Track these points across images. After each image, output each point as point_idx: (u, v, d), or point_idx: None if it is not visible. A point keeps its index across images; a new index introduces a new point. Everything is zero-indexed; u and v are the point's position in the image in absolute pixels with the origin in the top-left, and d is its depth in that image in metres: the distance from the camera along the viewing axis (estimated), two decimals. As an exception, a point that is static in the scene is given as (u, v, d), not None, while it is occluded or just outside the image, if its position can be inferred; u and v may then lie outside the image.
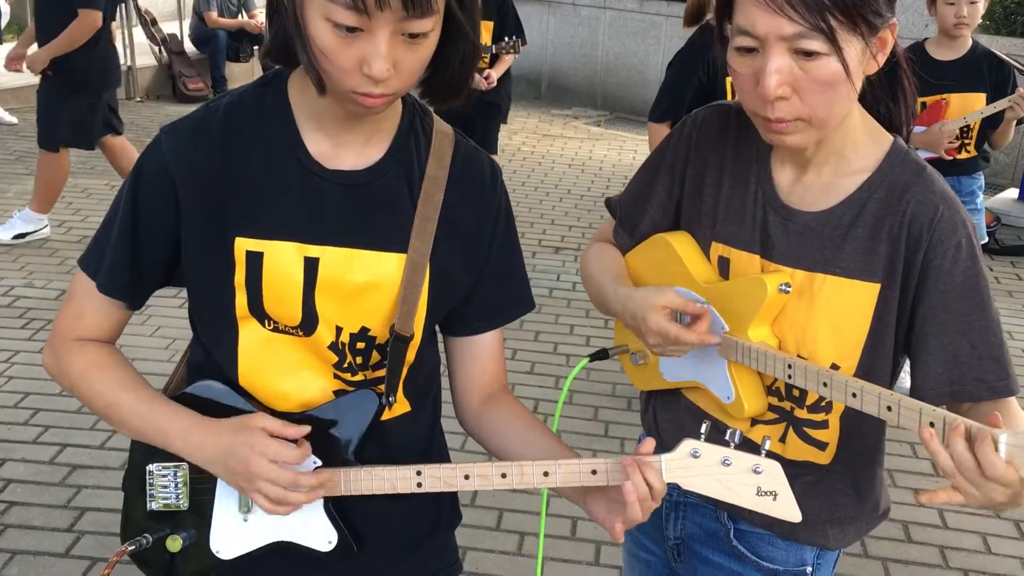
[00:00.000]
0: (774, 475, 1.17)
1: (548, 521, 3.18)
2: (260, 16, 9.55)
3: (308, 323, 1.29)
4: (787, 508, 1.18)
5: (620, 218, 1.62)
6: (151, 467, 1.36)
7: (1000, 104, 3.80)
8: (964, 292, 1.32)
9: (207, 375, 1.34)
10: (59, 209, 6.03)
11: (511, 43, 4.87)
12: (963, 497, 1.16)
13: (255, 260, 1.26)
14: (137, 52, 9.22)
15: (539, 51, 9.99)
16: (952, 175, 3.89)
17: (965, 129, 3.96)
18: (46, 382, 3.84)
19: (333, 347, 1.31)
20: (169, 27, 9.63)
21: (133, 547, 1.32)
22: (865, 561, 3.12)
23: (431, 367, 1.43)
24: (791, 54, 1.24)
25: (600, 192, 7.09)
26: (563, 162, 7.88)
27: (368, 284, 1.29)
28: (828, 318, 1.37)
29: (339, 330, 1.30)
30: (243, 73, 9.59)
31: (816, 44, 1.22)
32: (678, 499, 1.57)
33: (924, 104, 3.96)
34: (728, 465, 1.17)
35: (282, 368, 1.31)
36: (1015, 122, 3.94)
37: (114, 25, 7.30)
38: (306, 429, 1.26)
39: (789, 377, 1.35)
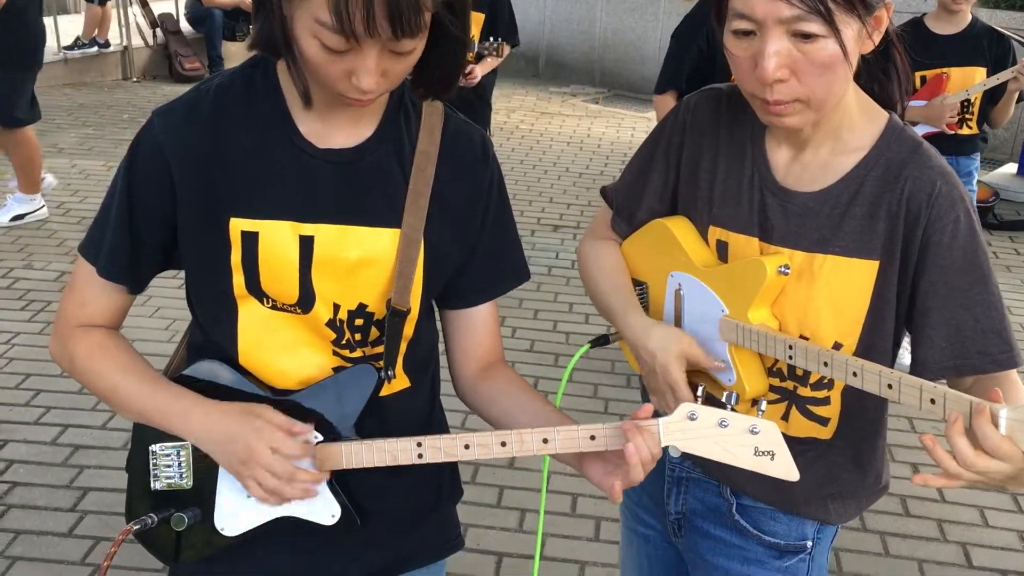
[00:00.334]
0: (771, 435, 1.18)
1: (548, 498, 3.20)
2: (256, -6, 9.48)
3: (305, 301, 1.30)
4: (785, 467, 1.19)
5: (617, 207, 1.62)
6: (154, 447, 1.37)
7: (1003, 75, 3.79)
8: (964, 267, 1.32)
9: (207, 355, 1.35)
10: (57, 191, 6.02)
11: (494, 45, 4.60)
12: (966, 483, 1.17)
13: (251, 240, 1.27)
14: (133, 33, 9.18)
15: (536, 27, 9.94)
16: (950, 154, 3.88)
17: (966, 104, 3.95)
18: (47, 363, 3.85)
19: (331, 324, 1.32)
20: (165, 6, 9.58)
21: (138, 527, 1.33)
22: (864, 535, 3.14)
23: (429, 342, 1.44)
24: (789, 36, 1.23)
25: (599, 170, 7.08)
26: (561, 140, 7.87)
27: (363, 260, 1.30)
28: (828, 298, 1.38)
29: (337, 307, 1.31)
30: (239, 52, 9.54)
31: (814, 26, 1.22)
32: (680, 474, 1.58)
33: (924, 78, 3.95)
34: (725, 427, 1.18)
35: (281, 346, 1.32)
36: (1016, 97, 3.93)
37: (109, 4, 7.26)
38: (310, 426, 1.27)
39: (790, 358, 1.35)
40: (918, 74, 3.91)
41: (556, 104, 9.20)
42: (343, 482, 1.32)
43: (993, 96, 3.96)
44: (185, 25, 9.48)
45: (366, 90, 1.16)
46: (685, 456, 1.54)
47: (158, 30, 9.30)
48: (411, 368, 1.40)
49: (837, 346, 1.38)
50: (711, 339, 1.45)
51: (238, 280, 1.29)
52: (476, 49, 4.60)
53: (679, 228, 1.51)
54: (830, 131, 1.38)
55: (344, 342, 1.33)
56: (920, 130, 3.85)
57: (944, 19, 3.93)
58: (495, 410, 1.41)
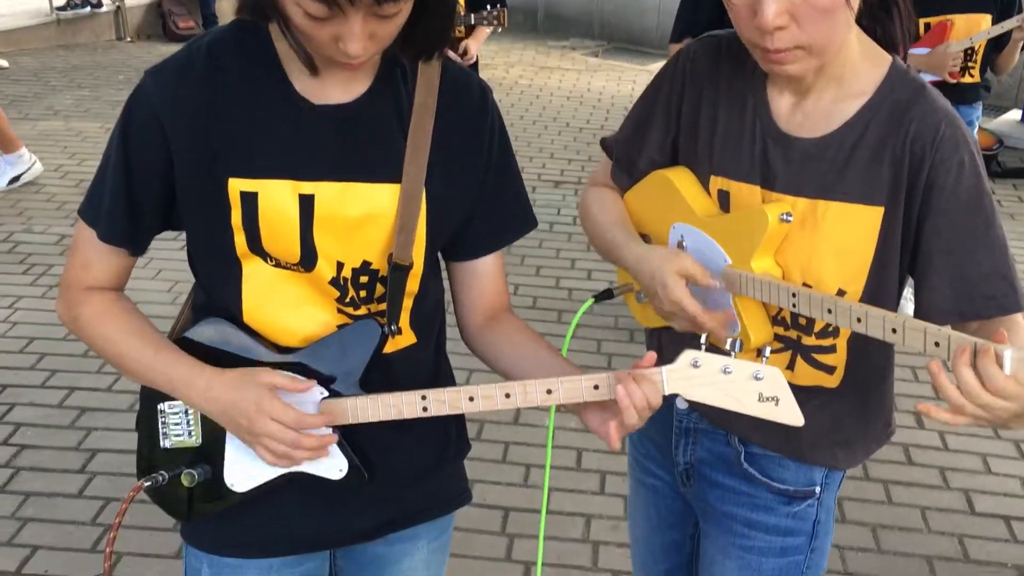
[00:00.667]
0: (774, 381, 1.18)
1: (553, 452, 3.23)
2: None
3: (308, 260, 1.29)
4: (789, 413, 1.19)
5: (617, 159, 1.60)
6: (162, 406, 1.37)
7: (1008, 24, 3.73)
8: (968, 210, 1.31)
9: (212, 316, 1.35)
10: (55, 153, 5.99)
11: (493, 14, 4.23)
12: (970, 420, 1.17)
13: (250, 200, 1.26)
14: (126, -9, 9.07)
15: (534, -19, 9.81)
16: (952, 103, 3.84)
17: (969, 51, 3.90)
18: (51, 327, 3.86)
19: (335, 282, 1.31)
20: (157, -36, 9.45)
21: (149, 483, 1.35)
22: (867, 484, 3.16)
23: (435, 297, 1.44)
24: None
25: (599, 124, 7.03)
26: (561, 94, 7.80)
27: (365, 217, 1.29)
28: (832, 245, 1.37)
29: (340, 265, 1.31)
30: (233, 10, 9.44)
31: None
32: (688, 425, 1.59)
33: (928, 25, 3.89)
34: (729, 373, 1.18)
35: (286, 304, 1.32)
36: (1021, 45, 3.88)
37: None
38: (312, 383, 1.27)
39: (794, 306, 1.35)
40: (922, 21, 3.85)
41: (555, 58, 9.12)
42: (350, 437, 1.33)
43: (997, 44, 3.90)
44: (178, -16, 9.36)
45: (353, 55, 1.15)
46: (692, 406, 1.55)
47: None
48: (417, 323, 1.40)
49: (841, 293, 1.37)
50: (715, 290, 1.45)
51: (239, 240, 1.28)
52: (473, 21, 4.31)
53: (680, 179, 1.50)
54: (832, 76, 1.36)
55: (348, 300, 1.33)
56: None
57: (949, -36, 3.86)
58: (502, 360, 1.41)
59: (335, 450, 1.32)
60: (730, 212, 1.45)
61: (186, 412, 1.36)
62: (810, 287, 1.37)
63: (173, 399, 1.35)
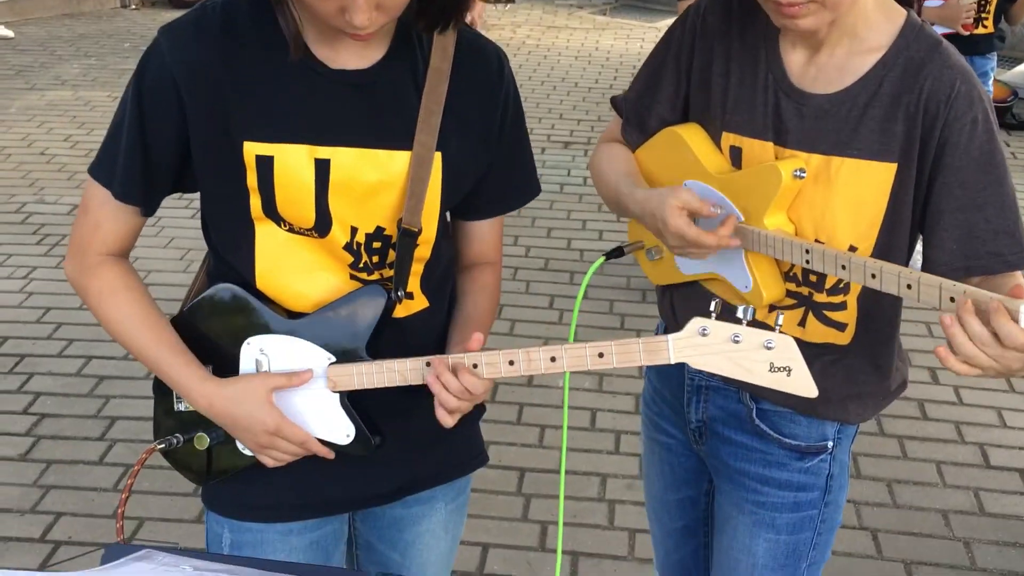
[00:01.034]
0: (787, 350, 1.15)
1: (568, 413, 3.24)
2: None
3: (322, 225, 1.29)
4: (802, 383, 1.16)
5: (627, 116, 1.59)
6: (177, 371, 1.38)
7: None
8: (980, 167, 1.31)
9: (225, 281, 1.35)
10: (64, 123, 6.00)
11: None
12: (980, 371, 1.18)
13: (266, 164, 1.26)
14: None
15: (540, -61, 9.69)
16: (966, 55, 3.79)
17: (983, 2, 3.85)
18: (66, 296, 3.89)
19: (348, 247, 1.31)
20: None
21: (163, 445, 1.36)
22: (881, 439, 3.17)
23: (447, 261, 1.44)
24: None
25: (608, 83, 6.98)
26: (569, 54, 7.74)
27: (381, 183, 1.29)
28: (845, 201, 1.36)
29: (354, 230, 1.31)
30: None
31: None
32: (700, 383, 1.59)
33: (941, -23, 3.84)
34: (738, 342, 1.16)
35: (299, 269, 1.32)
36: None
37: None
38: (309, 375, 1.30)
39: (807, 262, 1.35)
40: (935, -28, 3.80)
41: (563, 17, 9.03)
42: (358, 403, 1.33)
43: (1012, -7, 3.85)
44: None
45: (359, 26, 1.15)
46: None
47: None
48: (429, 288, 1.40)
49: (852, 249, 1.37)
50: (714, 217, 1.44)
51: (255, 202, 1.28)
52: None
53: (692, 136, 1.49)
54: (846, 31, 1.35)
55: (362, 265, 1.33)
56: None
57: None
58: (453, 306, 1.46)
59: (341, 415, 1.33)
60: (742, 169, 1.44)
61: None
62: (822, 243, 1.37)
63: None
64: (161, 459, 1.42)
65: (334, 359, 1.30)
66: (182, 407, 1.38)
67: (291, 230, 1.30)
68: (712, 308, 1.18)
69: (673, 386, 1.63)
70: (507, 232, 1.52)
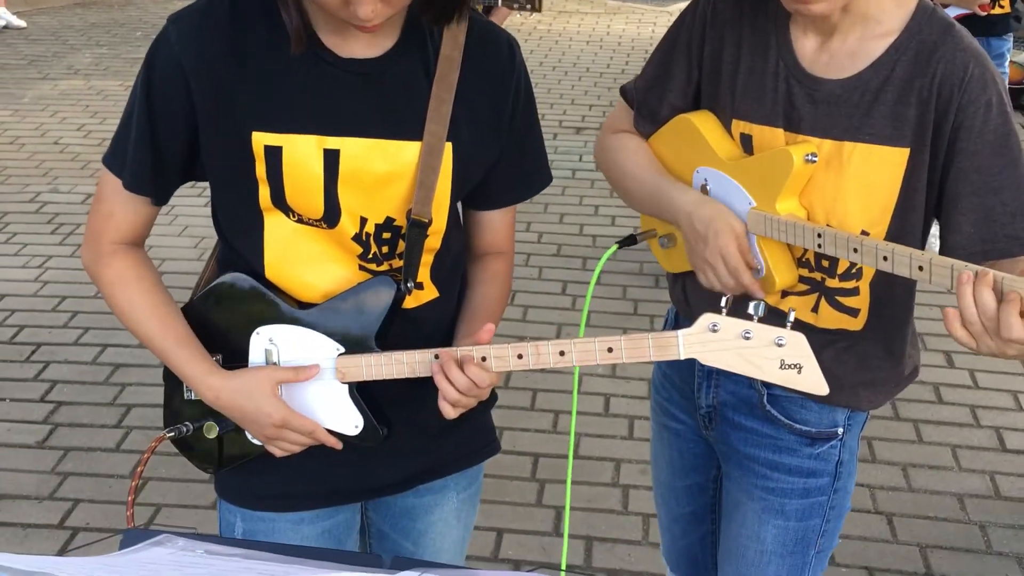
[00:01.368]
0: (798, 347, 1.14)
1: (581, 399, 3.25)
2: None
3: (331, 216, 1.29)
4: (813, 380, 1.15)
5: (638, 106, 1.58)
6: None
7: None
8: (995, 150, 1.30)
9: (235, 270, 1.35)
10: (77, 113, 6.02)
11: None
12: (975, 343, 1.19)
13: (274, 155, 1.25)
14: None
15: (551, -78, 9.63)
16: (982, 35, 3.76)
17: (999, -18, 3.81)
18: (82, 285, 3.91)
19: (357, 238, 1.31)
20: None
21: (172, 434, 1.37)
22: (896, 423, 3.16)
23: (458, 250, 1.44)
24: None
25: (620, 68, 6.95)
26: (580, 39, 7.71)
27: (391, 174, 1.28)
28: (857, 186, 1.36)
29: (364, 221, 1.30)
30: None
31: None
32: (710, 368, 1.59)
33: (956, -43, 3.80)
34: (749, 338, 1.15)
35: (308, 259, 1.32)
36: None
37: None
38: (316, 370, 1.30)
39: (819, 247, 1.34)
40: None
41: (574, 2, 8.99)
42: (367, 394, 1.33)
43: (1028, -29, 3.81)
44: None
45: (364, 18, 1.14)
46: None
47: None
48: (439, 278, 1.39)
49: (864, 235, 1.36)
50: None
51: (263, 192, 1.28)
52: (499, 3, 3.69)
53: (703, 122, 1.49)
54: (858, 16, 1.34)
55: (371, 256, 1.33)
56: (951, 12, 3.72)
57: None
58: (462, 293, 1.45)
59: (350, 406, 1.33)
60: (754, 154, 1.44)
61: None
62: (834, 228, 1.36)
63: None
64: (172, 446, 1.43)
65: (343, 350, 1.31)
66: (192, 396, 1.39)
67: (300, 221, 1.30)
68: (723, 304, 1.18)
69: (683, 371, 1.63)
70: (519, 218, 1.52)
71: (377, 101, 1.27)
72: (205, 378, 1.32)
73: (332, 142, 1.25)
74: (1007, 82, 4.57)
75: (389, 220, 1.31)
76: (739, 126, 1.45)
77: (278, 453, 1.35)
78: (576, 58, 7.21)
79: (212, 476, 1.48)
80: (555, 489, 2.88)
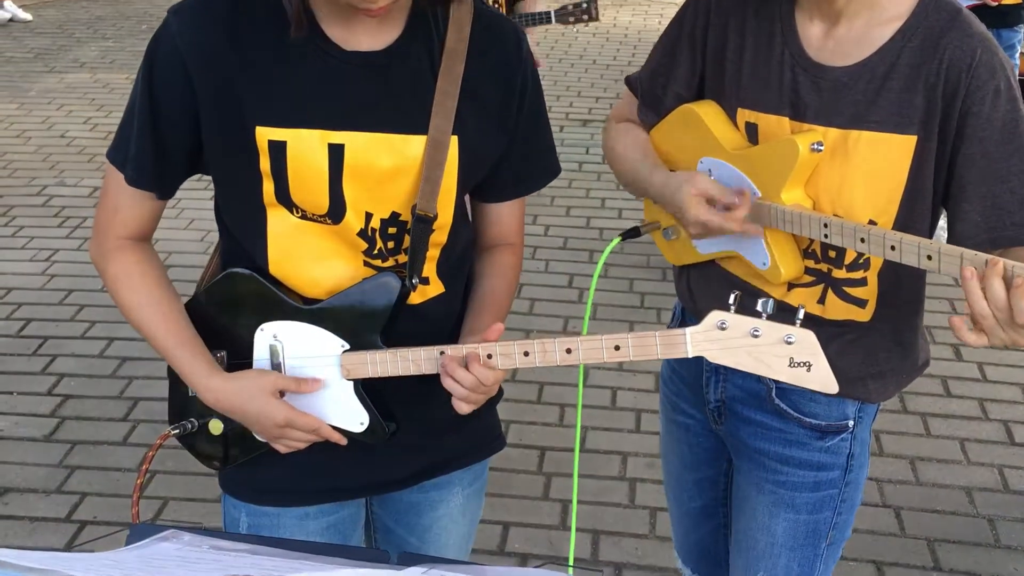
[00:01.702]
0: (807, 345, 1.13)
1: (588, 392, 3.24)
2: None
3: (336, 211, 1.28)
4: (822, 378, 1.14)
5: (642, 97, 1.58)
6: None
7: None
8: (1003, 137, 1.29)
9: (238, 266, 1.35)
10: (83, 106, 6.02)
11: (583, 7, 3.07)
12: (988, 339, 1.18)
13: (279, 149, 1.24)
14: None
15: (558, -86, 9.59)
16: (992, 27, 3.73)
17: (1009, -29, 3.78)
18: (88, 278, 3.92)
19: (362, 234, 1.30)
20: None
21: (177, 431, 1.36)
22: (904, 417, 3.15)
23: (464, 245, 1.43)
24: None
25: (626, 61, 6.93)
26: (586, 31, 7.68)
27: (396, 169, 1.27)
28: (864, 175, 1.34)
29: (369, 216, 1.29)
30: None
31: None
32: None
33: (965, -54, 3.77)
34: (757, 336, 1.14)
35: (312, 255, 1.31)
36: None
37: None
38: (318, 384, 1.30)
39: (825, 237, 1.33)
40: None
41: (581, -7, 8.95)
42: (372, 390, 1.33)
43: (1039, -39, 3.78)
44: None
45: (372, 5, 1.13)
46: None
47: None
48: (445, 273, 1.38)
49: (872, 224, 1.35)
50: (734, 204, 1.43)
51: (267, 187, 1.27)
52: (554, 19, 3.26)
53: (707, 112, 1.48)
54: (864, 1, 1.33)
55: (376, 252, 1.32)
56: (962, 2, 3.69)
57: None
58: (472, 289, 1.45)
59: (356, 403, 1.32)
60: (759, 144, 1.42)
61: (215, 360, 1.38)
62: (840, 218, 1.35)
63: None
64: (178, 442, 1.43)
65: (348, 346, 1.30)
66: (195, 392, 1.38)
67: (304, 216, 1.29)
68: (731, 301, 1.17)
69: (691, 366, 1.62)
70: (526, 211, 1.51)
71: (382, 94, 1.26)
72: (205, 380, 1.31)
73: (337, 136, 1.24)
74: (1017, 72, 4.53)
75: (394, 215, 1.30)
76: (744, 115, 1.44)
77: (283, 450, 1.34)
78: (583, 50, 7.19)
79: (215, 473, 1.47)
80: (562, 482, 2.87)
